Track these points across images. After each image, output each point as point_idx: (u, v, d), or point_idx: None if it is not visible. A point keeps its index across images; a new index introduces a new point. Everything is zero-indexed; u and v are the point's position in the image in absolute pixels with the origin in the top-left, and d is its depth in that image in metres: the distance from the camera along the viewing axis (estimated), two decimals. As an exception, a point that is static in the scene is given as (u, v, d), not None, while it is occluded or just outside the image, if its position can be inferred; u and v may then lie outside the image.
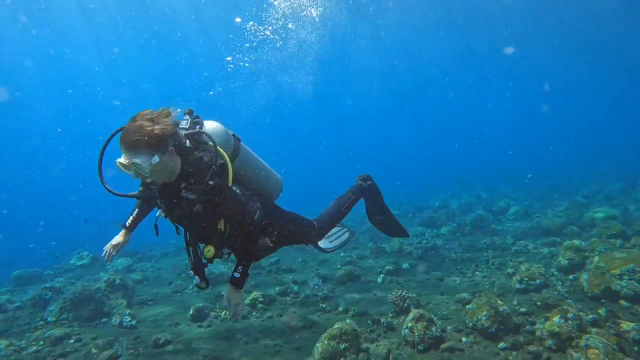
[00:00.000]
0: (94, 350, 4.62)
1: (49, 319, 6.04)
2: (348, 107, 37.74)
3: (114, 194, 2.11)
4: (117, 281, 6.87)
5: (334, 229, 3.57)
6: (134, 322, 5.75)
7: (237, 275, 2.27)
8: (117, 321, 5.77)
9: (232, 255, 2.46)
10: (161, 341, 5.00)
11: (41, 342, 5.20)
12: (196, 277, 2.32)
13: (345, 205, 3.25)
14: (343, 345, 4.22)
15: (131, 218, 2.64)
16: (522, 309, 4.76)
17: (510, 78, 31.16)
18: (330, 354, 4.18)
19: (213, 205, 2.09)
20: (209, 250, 2.20)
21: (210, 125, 2.31)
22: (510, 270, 6.28)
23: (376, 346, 4.43)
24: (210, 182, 2.02)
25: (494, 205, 11.90)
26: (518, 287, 5.44)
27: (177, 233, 2.35)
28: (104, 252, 2.64)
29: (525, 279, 5.42)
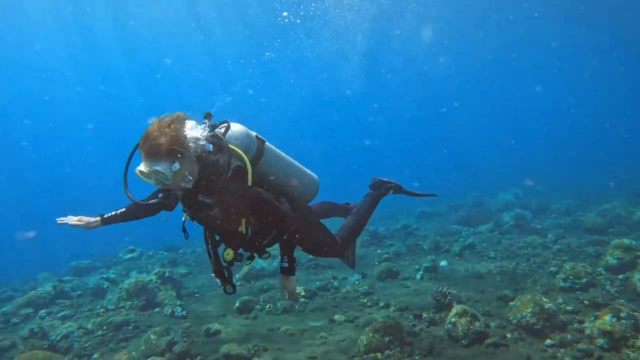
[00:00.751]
0: (152, 337, 4.96)
1: (108, 307, 6.54)
2: (387, 101, 37.35)
3: (136, 202, 2.14)
4: (167, 274, 7.31)
5: None
6: (184, 312, 6.12)
7: (285, 265, 2.32)
8: (169, 311, 6.16)
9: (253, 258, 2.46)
10: (212, 331, 5.31)
11: (105, 327, 5.66)
12: (217, 279, 2.35)
13: (363, 218, 3.15)
14: (388, 338, 4.35)
15: (113, 213, 2.54)
16: (569, 307, 4.72)
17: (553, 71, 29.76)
18: (376, 346, 4.32)
19: (230, 208, 2.10)
20: (228, 254, 2.20)
21: (232, 128, 2.32)
22: (553, 269, 6.18)
23: (420, 340, 4.54)
24: (226, 186, 2.02)
25: (532, 203, 11.59)
26: (562, 285, 5.36)
27: (185, 237, 2.39)
28: (65, 219, 2.49)
29: (571, 277, 5.34)
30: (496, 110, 38.30)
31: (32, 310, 6.81)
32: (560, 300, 4.97)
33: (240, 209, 2.13)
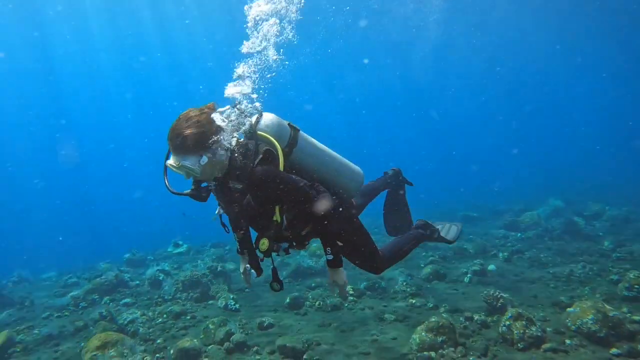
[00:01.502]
0: (210, 327, 5.25)
1: (165, 297, 6.95)
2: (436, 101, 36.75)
3: (174, 193, 2.11)
4: (219, 268, 7.65)
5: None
6: (237, 305, 6.39)
7: (330, 257, 2.16)
8: (223, 304, 6.45)
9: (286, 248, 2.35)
10: (265, 324, 5.53)
11: (165, 316, 6.04)
12: (253, 271, 2.36)
13: (407, 247, 2.90)
14: (441, 338, 4.38)
15: (246, 259, 2.55)
16: (636, 317, 4.50)
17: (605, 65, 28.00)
18: (429, 345, 4.35)
19: (260, 193, 2.06)
20: (264, 243, 2.15)
21: (263, 116, 2.28)
22: (614, 277, 5.91)
23: (472, 341, 4.52)
24: (255, 169, 1.99)
25: (585, 209, 11.04)
26: (627, 294, 5.13)
27: (226, 231, 2.37)
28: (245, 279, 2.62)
29: (636, 286, 5.09)
30: (560, 110, 36.36)
31: (97, 296, 7.37)
32: (625, 310, 4.76)
33: (270, 193, 2.05)
